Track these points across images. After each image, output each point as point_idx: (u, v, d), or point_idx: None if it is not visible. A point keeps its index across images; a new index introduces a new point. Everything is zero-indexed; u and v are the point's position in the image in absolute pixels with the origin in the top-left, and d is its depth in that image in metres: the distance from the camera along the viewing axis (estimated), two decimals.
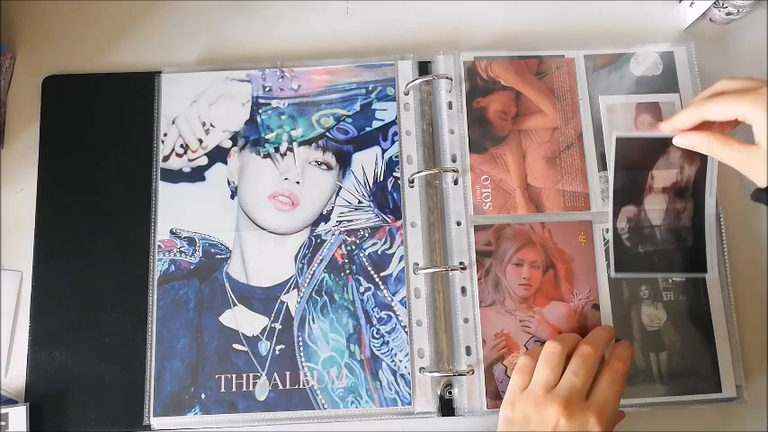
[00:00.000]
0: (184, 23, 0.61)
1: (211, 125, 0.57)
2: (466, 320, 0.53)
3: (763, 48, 0.60)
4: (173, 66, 0.59)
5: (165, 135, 0.57)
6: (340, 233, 0.55)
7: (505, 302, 0.53)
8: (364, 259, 0.55)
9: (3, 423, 0.51)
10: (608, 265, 0.54)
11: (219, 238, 0.55)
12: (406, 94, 0.58)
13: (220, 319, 0.53)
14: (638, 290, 0.54)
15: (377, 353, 0.53)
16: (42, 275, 0.55)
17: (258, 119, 0.57)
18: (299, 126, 0.57)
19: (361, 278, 0.54)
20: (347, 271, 0.54)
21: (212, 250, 0.55)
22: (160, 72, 0.58)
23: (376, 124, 0.57)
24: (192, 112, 0.57)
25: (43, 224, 0.56)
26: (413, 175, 0.56)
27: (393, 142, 0.57)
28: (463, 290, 0.54)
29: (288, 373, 0.52)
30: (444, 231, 0.55)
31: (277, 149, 0.57)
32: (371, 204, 0.56)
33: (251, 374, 0.52)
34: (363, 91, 0.58)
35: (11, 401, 0.53)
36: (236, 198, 0.56)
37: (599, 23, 0.61)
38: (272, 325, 0.53)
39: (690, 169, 0.54)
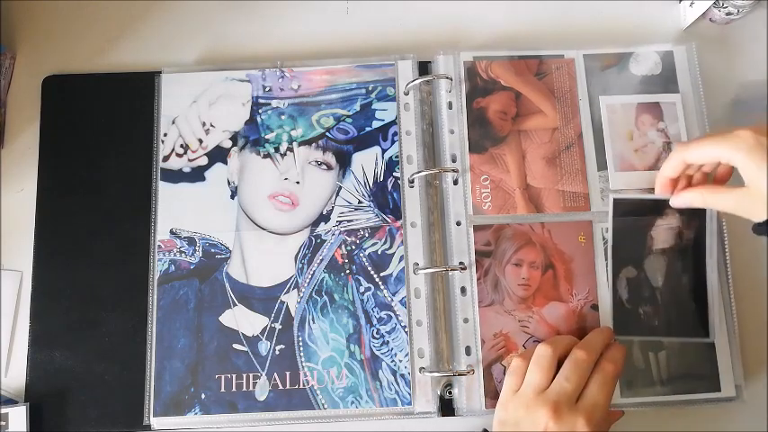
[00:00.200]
0: (184, 23, 0.61)
1: (211, 125, 0.57)
2: (465, 320, 0.53)
3: (763, 48, 0.60)
4: (173, 66, 0.59)
5: (165, 135, 0.57)
6: (340, 233, 0.55)
7: (505, 302, 0.53)
8: (364, 259, 0.55)
9: (3, 423, 0.51)
10: (607, 267, 0.54)
11: (219, 238, 0.55)
12: (406, 94, 0.58)
13: (220, 319, 0.53)
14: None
15: (377, 353, 0.53)
16: (42, 275, 0.55)
17: (258, 119, 0.57)
18: (299, 126, 0.57)
19: (361, 278, 0.54)
20: (347, 271, 0.54)
21: (212, 250, 0.55)
22: (160, 72, 0.58)
23: (376, 124, 0.57)
24: (191, 112, 0.57)
25: (43, 224, 0.56)
26: (413, 175, 0.56)
27: (393, 142, 0.57)
28: (463, 290, 0.54)
29: (288, 373, 0.52)
30: (444, 231, 0.55)
31: (277, 149, 0.57)
32: (371, 204, 0.56)
33: (251, 374, 0.52)
34: (363, 91, 0.58)
35: (11, 401, 0.53)
36: (236, 198, 0.56)
37: (599, 23, 0.61)
38: (272, 325, 0.53)
39: (689, 231, 0.54)
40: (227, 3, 0.62)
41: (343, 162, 0.56)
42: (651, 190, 0.54)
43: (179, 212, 0.56)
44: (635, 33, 0.60)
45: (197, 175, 0.56)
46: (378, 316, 0.53)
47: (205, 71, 0.58)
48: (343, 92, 0.58)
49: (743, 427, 0.53)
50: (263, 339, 0.53)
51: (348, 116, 0.57)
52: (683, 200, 0.51)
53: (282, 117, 0.57)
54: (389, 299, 0.54)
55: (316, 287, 0.54)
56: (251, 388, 0.52)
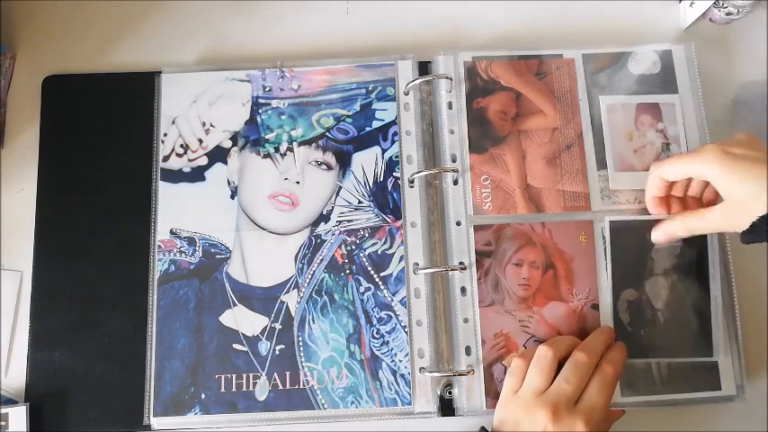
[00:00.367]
0: (184, 23, 0.61)
1: (211, 125, 0.57)
2: (466, 320, 0.53)
3: (763, 48, 0.60)
4: (173, 66, 0.59)
5: (165, 135, 0.57)
6: (340, 233, 0.55)
7: (505, 302, 0.53)
8: (364, 259, 0.55)
9: (3, 423, 0.51)
10: (608, 266, 0.54)
11: (219, 238, 0.55)
12: (406, 94, 0.58)
13: (220, 319, 0.53)
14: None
15: (377, 353, 0.53)
16: (42, 275, 0.55)
17: (258, 119, 0.57)
18: (299, 126, 0.57)
19: (361, 278, 0.54)
20: (347, 271, 0.54)
21: (212, 250, 0.55)
22: (160, 72, 0.58)
23: (376, 124, 0.57)
24: (191, 112, 0.57)
25: (43, 224, 0.56)
26: (413, 175, 0.56)
27: (393, 142, 0.57)
28: (463, 290, 0.54)
29: (288, 373, 0.52)
30: (444, 231, 0.55)
31: (277, 149, 0.57)
32: (371, 204, 0.56)
33: (251, 374, 0.52)
34: (363, 91, 0.58)
35: (11, 401, 0.53)
36: (236, 198, 0.56)
37: (599, 23, 0.61)
38: (272, 325, 0.53)
39: (691, 251, 0.53)
40: (228, 3, 0.62)
41: (343, 162, 0.56)
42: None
43: (179, 212, 0.55)
44: (635, 33, 0.61)
45: (197, 175, 0.56)
46: (378, 316, 0.53)
47: (205, 71, 0.58)
48: (343, 92, 0.58)
49: (743, 426, 0.53)
50: (263, 339, 0.53)
51: (348, 116, 0.57)
52: (665, 233, 0.51)
53: (282, 117, 0.57)
54: (389, 299, 0.54)
55: (316, 287, 0.54)
56: (251, 388, 0.52)
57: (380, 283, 0.54)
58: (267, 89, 0.58)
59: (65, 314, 0.54)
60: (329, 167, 0.56)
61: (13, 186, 0.57)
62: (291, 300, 0.54)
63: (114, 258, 0.55)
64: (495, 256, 0.54)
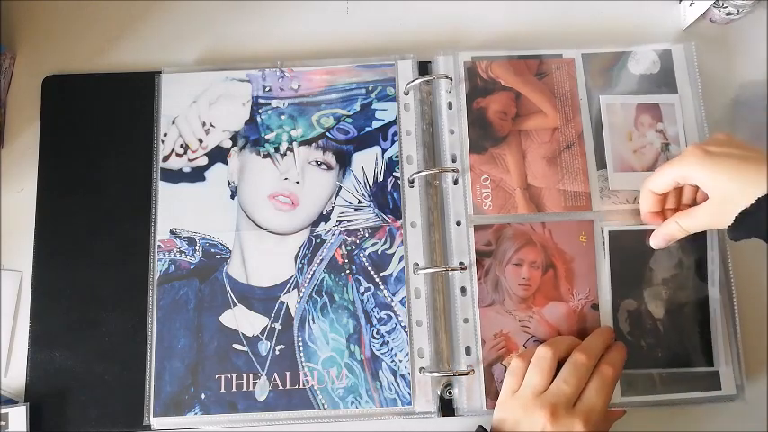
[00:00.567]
0: (184, 23, 0.61)
1: (211, 125, 0.57)
2: (466, 320, 0.53)
3: (763, 48, 0.60)
4: (173, 66, 0.59)
5: (165, 135, 0.57)
6: (340, 233, 0.55)
7: (505, 302, 0.53)
8: (364, 259, 0.55)
9: (3, 423, 0.51)
10: (608, 266, 0.54)
11: (219, 238, 0.55)
12: (406, 94, 0.58)
13: (220, 319, 0.53)
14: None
15: (377, 353, 0.53)
16: (42, 275, 0.55)
17: (258, 119, 0.57)
18: (299, 126, 0.57)
19: (361, 278, 0.54)
20: (347, 271, 0.54)
21: (212, 250, 0.55)
22: (160, 72, 0.58)
23: (376, 124, 0.57)
24: (191, 112, 0.57)
25: (43, 224, 0.56)
26: (413, 175, 0.56)
27: (393, 142, 0.57)
28: (463, 290, 0.54)
29: (288, 373, 0.52)
30: (444, 231, 0.55)
31: (277, 149, 0.57)
32: (371, 204, 0.56)
33: (251, 374, 0.52)
34: (363, 91, 0.58)
35: (11, 401, 0.53)
36: (236, 198, 0.56)
37: (599, 23, 0.61)
38: (272, 325, 0.53)
39: (689, 260, 0.53)
40: (228, 3, 0.62)
41: (343, 162, 0.56)
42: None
43: (179, 212, 0.55)
44: (635, 33, 0.61)
45: (197, 175, 0.56)
46: (378, 316, 0.53)
47: (205, 71, 0.58)
48: (343, 92, 0.58)
49: (743, 426, 0.53)
50: (263, 339, 0.53)
51: (348, 116, 0.57)
52: (663, 236, 0.51)
53: (282, 117, 0.57)
54: (389, 299, 0.54)
55: (316, 287, 0.54)
56: (251, 388, 0.52)
57: (380, 283, 0.54)
58: (267, 89, 0.58)
59: (65, 314, 0.54)
60: (329, 167, 0.56)
61: (13, 186, 0.57)
62: (291, 300, 0.54)
63: (114, 258, 0.55)
64: (495, 255, 0.54)
